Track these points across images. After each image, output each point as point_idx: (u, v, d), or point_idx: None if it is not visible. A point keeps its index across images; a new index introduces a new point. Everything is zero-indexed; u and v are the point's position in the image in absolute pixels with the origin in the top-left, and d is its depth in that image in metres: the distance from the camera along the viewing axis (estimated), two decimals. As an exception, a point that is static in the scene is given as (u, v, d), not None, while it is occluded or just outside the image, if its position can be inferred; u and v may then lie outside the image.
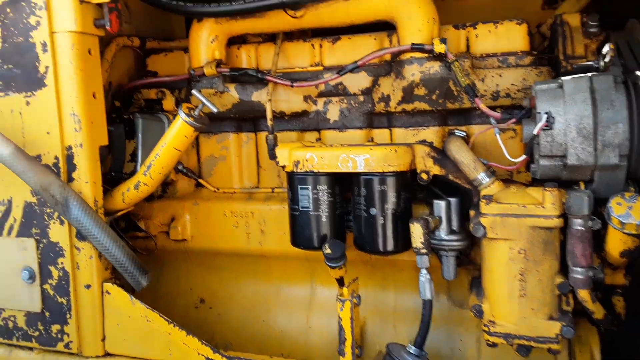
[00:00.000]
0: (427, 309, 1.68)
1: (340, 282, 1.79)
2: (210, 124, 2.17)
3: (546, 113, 1.47)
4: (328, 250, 1.72)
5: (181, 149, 1.77)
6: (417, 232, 1.62)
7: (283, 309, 2.15)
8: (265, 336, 2.14)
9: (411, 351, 1.68)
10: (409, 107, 1.87)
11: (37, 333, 1.80)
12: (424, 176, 1.74)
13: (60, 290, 1.76)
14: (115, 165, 2.08)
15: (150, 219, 2.25)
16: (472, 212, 1.62)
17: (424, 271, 1.66)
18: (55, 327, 1.78)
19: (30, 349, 1.83)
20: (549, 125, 1.47)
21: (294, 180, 1.80)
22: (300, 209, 1.79)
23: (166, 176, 1.84)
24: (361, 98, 1.95)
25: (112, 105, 2.08)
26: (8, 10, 1.71)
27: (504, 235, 1.53)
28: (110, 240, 1.69)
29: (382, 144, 1.80)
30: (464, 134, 1.78)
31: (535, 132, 1.49)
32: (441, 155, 1.74)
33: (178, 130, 1.74)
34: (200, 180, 2.23)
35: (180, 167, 2.23)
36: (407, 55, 1.83)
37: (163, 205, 2.22)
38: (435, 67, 1.79)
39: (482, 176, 1.63)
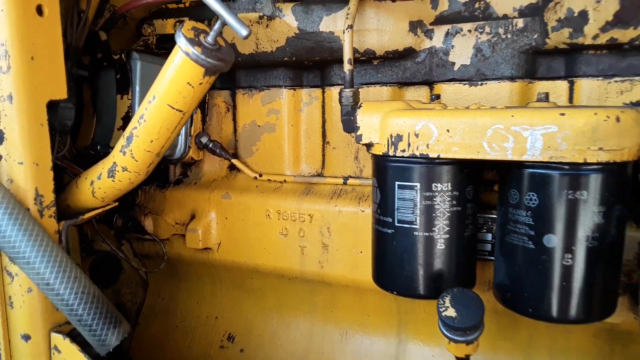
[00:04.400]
0: None
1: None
2: (254, 73, 1.39)
3: None
4: (451, 313, 0.88)
5: (183, 108, 0.96)
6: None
7: (354, 369, 1.35)
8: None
9: None
10: (625, 35, 0.95)
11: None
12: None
13: (-18, 343, 1.03)
14: (100, 135, 1.32)
15: (161, 215, 1.53)
16: None
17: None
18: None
19: None
20: None
21: (389, 171, 0.98)
22: (397, 223, 0.97)
23: (161, 155, 1.04)
24: (519, 23, 1.06)
25: (94, 38, 1.30)
26: None
27: None
28: (53, 267, 0.93)
29: (580, 106, 0.90)
30: None
31: None
32: None
33: (176, 71, 0.92)
34: (235, 162, 1.47)
35: (205, 140, 1.46)
36: None
37: (180, 195, 1.52)
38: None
39: None
